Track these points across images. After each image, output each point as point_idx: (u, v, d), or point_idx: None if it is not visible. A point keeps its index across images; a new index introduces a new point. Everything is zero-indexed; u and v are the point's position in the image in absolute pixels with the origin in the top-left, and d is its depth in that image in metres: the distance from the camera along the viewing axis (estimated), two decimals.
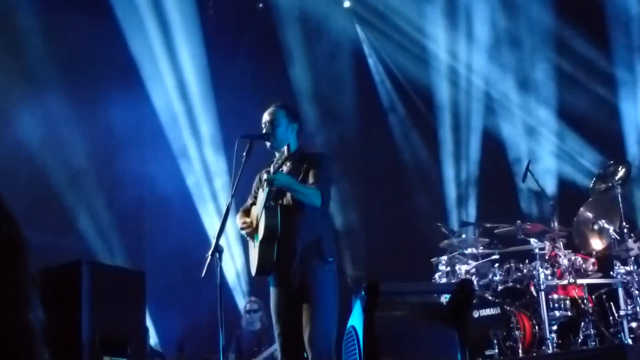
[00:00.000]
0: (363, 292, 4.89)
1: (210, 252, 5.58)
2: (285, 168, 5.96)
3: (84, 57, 11.19)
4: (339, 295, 5.83)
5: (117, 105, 11.22)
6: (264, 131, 6.05)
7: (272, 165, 5.69)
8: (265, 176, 5.58)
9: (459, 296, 5.13)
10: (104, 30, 11.35)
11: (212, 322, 10.71)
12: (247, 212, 6.19)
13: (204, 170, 12.01)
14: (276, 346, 8.63)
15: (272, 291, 5.95)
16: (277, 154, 5.97)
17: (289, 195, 5.81)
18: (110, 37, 11.42)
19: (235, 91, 12.13)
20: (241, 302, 11.68)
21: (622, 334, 7.88)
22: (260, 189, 5.98)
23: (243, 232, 6.11)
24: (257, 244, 5.88)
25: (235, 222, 6.29)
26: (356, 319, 4.97)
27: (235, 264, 11.48)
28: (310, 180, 5.79)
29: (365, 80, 12.64)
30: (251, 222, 6.01)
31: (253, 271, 5.97)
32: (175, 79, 11.99)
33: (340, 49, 12.33)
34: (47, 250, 9.56)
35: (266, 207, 5.70)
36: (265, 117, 6.10)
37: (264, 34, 12.63)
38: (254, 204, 6.16)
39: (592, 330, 8.03)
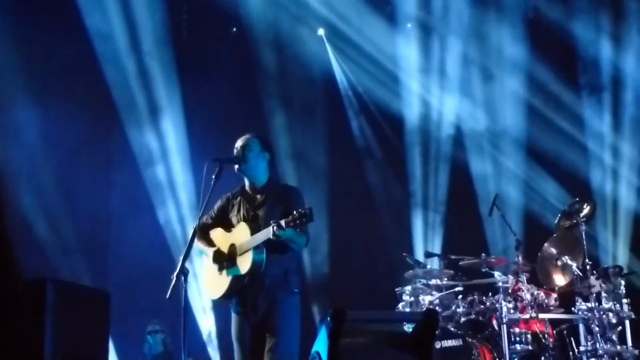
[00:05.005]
0: (329, 318, 4.91)
1: (175, 274, 5.58)
2: (260, 199, 6.06)
3: (52, 73, 11.12)
4: (301, 325, 5.90)
5: (84, 124, 11.17)
6: (234, 155, 6.10)
7: (284, 220, 5.59)
8: (275, 229, 5.55)
9: (423, 326, 5.15)
10: (75, 49, 11.31)
11: (174, 342, 10.75)
12: (206, 233, 6.19)
13: (171, 190, 11.96)
14: None
15: (235, 318, 6.03)
16: (247, 182, 6.07)
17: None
18: (82, 56, 11.38)
19: (208, 114, 12.12)
20: (205, 324, 11.65)
21: None
22: (242, 222, 5.99)
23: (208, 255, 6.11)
24: (225, 271, 5.92)
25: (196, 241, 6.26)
26: (321, 345, 4.98)
27: (200, 287, 11.42)
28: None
29: (336, 108, 12.67)
30: (219, 249, 6.05)
31: (216, 295, 6.04)
32: (147, 99, 11.96)
33: (313, 76, 12.37)
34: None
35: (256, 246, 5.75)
36: (238, 142, 6.17)
37: (237, 58, 12.65)
38: (216, 224, 6.19)
39: None
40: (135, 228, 11.74)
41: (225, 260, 6.01)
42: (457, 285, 8.97)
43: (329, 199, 12.06)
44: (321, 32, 12.69)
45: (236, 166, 6.09)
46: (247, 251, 5.81)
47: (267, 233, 5.63)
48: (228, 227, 6.13)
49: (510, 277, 8.63)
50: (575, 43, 11.03)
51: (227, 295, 5.96)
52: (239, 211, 6.13)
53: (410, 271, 9.24)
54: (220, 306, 6.64)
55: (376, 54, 12.17)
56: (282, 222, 5.51)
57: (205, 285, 6.23)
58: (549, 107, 11.02)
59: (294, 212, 5.49)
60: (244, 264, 5.82)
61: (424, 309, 8.60)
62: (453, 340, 8.20)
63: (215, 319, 11.64)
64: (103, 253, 12.00)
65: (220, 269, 6.00)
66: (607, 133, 10.79)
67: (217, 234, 6.16)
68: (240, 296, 5.93)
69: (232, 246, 5.96)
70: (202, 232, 6.19)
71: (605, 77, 10.81)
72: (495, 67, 11.55)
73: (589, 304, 8.12)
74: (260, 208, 6.03)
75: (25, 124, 10.70)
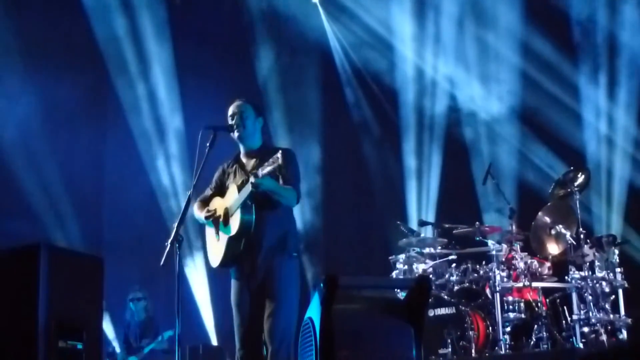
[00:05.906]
0: (322, 285, 4.90)
1: (169, 241, 5.57)
2: (254, 163, 6.01)
3: (45, 39, 11.07)
4: (300, 290, 5.90)
5: (78, 89, 11.13)
6: (230, 123, 6.06)
7: (260, 169, 5.60)
8: (252, 179, 5.54)
9: (417, 293, 5.15)
10: (67, 14, 11.24)
11: (168, 310, 10.75)
12: (205, 203, 6.19)
13: (165, 158, 11.94)
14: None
15: (234, 283, 6.02)
16: (242, 149, 6.05)
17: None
18: (74, 21, 11.32)
19: (200, 81, 12.06)
20: (198, 292, 11.66)
21: (573, 338, 8.00)
22: (233, 184, 5.97)
23: (206, 220, 6.09)
24: (221, 236, 5.92)
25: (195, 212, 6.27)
26: (314, 311, 4.98)
27: (194, 254, 11.43)
28: (283, 179, 5.81)
29: (331, 76, 12.63)
30: (215, 211, 6.02)
31: (216, 263, 6.03)
32: (140, 65, 11.91)
33: (307, 43, 12.32)
34: (1, 232, 9.52)
35: (243, 204, 5.71)
36: (233, 109, 6.11)
37: (231, 25, 12.57)
38: (215, 195, 6.17)
39: (544, 333, 8.13)
40: (129, 194, 11.73)
41: (220, 223, 6.00)
42: (450, 254, 8.99)
43: (322, 167, 12.05)
44: None
45: (235, 134, 6.04)
46: (236, 211, 5.80)
47: (249, 186, 5.62)
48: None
49: (504, 245, 8.65)
50: (571, 10, 10.96)
51: (225, 261, 5.92)
52: (234, 178, 6.11)
53: (404, 239, 9.24)
54: (216, 273, 6.61)
55: (371, 21, 12.10)
56: (259, 171, 5.51)
57: (208, 254, 6.22)
58: (544, 75, 10.96)
59: (269, 160, 5.48)
60: (234, 224, 5.81)
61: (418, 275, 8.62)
62: (446, 308, 8.25)
63: (211, 286, 11.66)
64: (97, 218, 12.00)
65: (217, 233, 6.00)
66: (602, 102, 10.74)
67: (215, 202, 6.15)
68: (239, 261, 5.92)
69: (226, 209, 5.95)
70: (203, 204, 6.18)
71: (600, 45, 10.75)
72: (491, 35, 11.47)
73: (582, 273, 8.14)
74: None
75: (18, 89, 10.66)
